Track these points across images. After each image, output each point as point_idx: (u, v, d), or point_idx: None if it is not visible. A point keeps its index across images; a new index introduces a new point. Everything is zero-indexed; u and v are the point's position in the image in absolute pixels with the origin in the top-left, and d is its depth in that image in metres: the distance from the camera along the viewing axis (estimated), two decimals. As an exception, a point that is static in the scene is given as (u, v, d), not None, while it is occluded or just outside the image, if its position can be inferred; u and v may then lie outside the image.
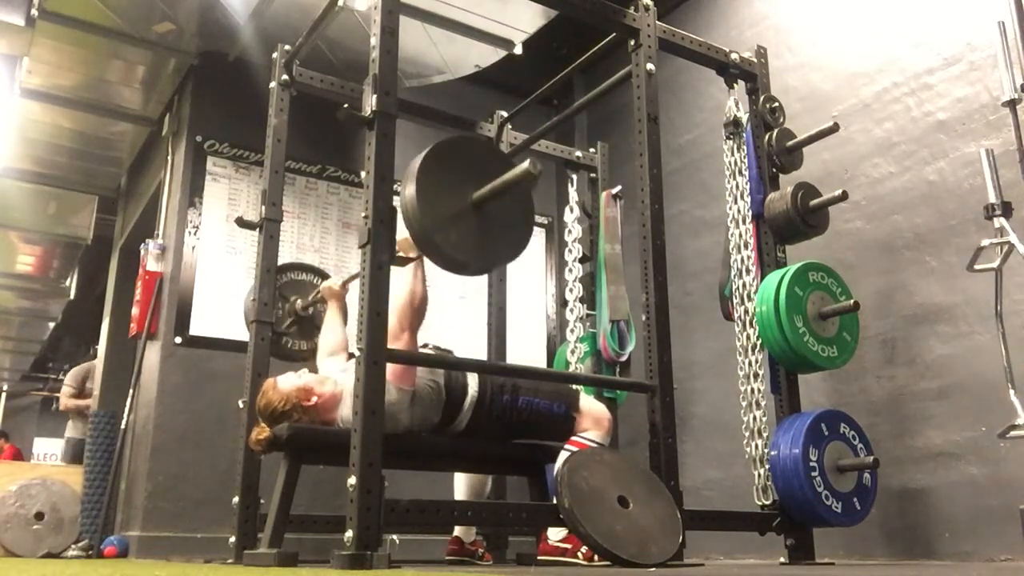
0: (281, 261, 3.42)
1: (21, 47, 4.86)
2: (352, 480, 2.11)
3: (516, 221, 2.45)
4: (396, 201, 2.27)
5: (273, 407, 2.61)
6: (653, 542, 2.32)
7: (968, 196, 3.23)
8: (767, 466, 2.90)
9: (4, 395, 13.51)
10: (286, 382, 2.66)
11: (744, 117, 3.34)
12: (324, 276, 3.60)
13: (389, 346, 2.31)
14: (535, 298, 5.48)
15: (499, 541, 3.59)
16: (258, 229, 3.33)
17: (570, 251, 3.95)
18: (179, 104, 5.09)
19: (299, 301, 3.46)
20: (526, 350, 4.98)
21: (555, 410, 2.80)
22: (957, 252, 3.21)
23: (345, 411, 2.60)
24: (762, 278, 3.12)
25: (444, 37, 4.45)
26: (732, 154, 3.30)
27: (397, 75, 2.45)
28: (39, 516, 4.98)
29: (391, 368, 2.45)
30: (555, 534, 2.83)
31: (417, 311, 2.56)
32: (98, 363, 6.36)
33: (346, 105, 2.39)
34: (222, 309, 4.44)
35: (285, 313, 3.45)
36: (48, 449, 13.90)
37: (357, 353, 2.24)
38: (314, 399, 2.63)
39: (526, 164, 2.26)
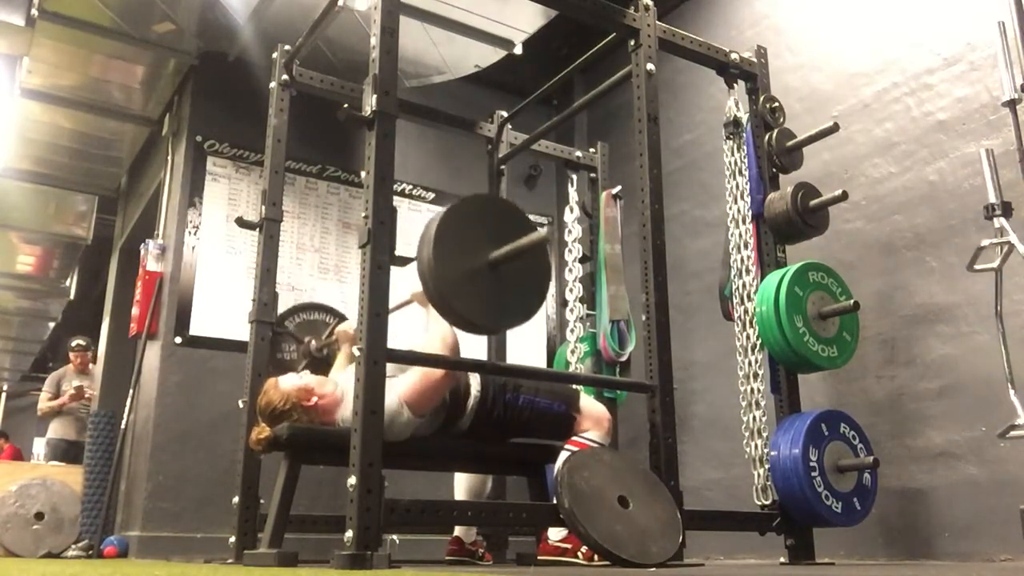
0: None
1: (21, 47, 4.87)
2: (352, 480, 2.11)
3: (530, 285, 2.46)
4: (414, 266, 2.30)
5: (274, 406, 2.61)
6: (653, 542, 2.32)
7: (968, 196, 3.23)
8: (767, 466, 2.90)
9: (4, 395, 13.50)
10: (287, 381, 2.67)
11: (744, 117, 3.34)
12: (340, 316, 3.50)
13: (428, 383, 2.47)
14: (535, 298, 5.47)
15: (499, 541, 3.58)
16: (258, 229, 3.33)
17: (570, 251, 3.95)
18: (179, 104, 5.09)
19: (313, 342, 3.39)
20: (526, 350, 4.98)
21: (555, 409, 2.79)
22: (957, 252, 3.21)
23: (345, 412, 2.60)
24: (762, 278, 3.12)
25: (444, 37, 4.45)
26: (732, 154, 3.30)
27: (397, 75, 2.45)
28: (39, 516, 4.98)
29: (412, 388, 2.47)
30: (555, 534, 2.83)
31: (451, 353, 2.57)
32: (98, 363, 6.37)
33: (346, 105, 2.39)
34: (222, 309, 4.45)
35: (300, 355, 3.38)
36: (48, 449, 13.88)
37: (357, 354, 2.24)
38: (314, 399, 2.63)
39: (543, 232, 2.36)
